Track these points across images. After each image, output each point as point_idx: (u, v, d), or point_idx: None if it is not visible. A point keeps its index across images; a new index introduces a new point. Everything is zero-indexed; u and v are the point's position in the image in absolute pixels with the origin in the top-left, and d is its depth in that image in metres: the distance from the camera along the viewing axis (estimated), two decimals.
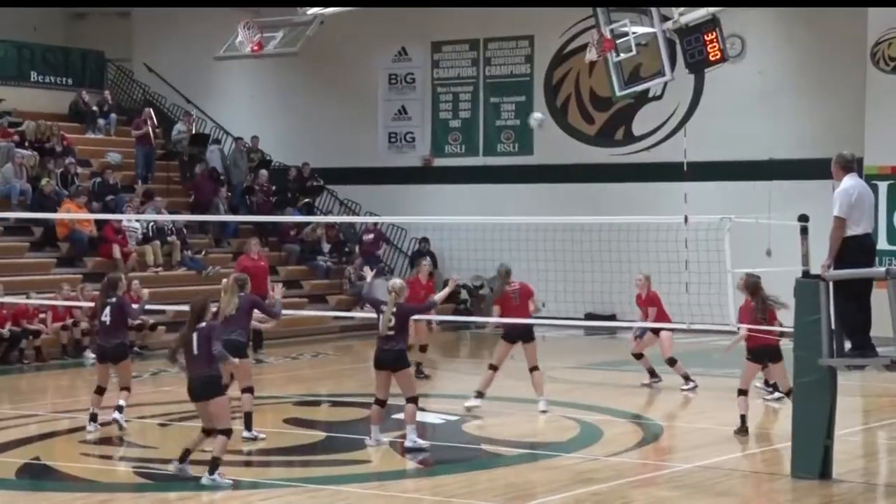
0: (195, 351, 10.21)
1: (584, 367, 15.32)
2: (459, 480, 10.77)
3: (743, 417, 12.47)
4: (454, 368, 20.07)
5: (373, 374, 16.56)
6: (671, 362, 15.76)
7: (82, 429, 13.12)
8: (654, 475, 11.00)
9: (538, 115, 21.82)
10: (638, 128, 25.06)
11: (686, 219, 14.22)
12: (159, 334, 20.69)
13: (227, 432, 10.24)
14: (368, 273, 13.33)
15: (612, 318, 22.42)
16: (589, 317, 22.32)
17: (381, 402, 11.89)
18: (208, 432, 10.30)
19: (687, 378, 15.65)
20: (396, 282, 12.06)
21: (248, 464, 11.60)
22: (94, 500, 10.06)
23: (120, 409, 12.80)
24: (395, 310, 11.60)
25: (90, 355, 19.38)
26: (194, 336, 10.23)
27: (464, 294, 25.93)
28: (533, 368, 14.02)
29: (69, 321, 19.55)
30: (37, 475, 11.12)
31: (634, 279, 16.07)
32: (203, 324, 10.27)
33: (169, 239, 23.16)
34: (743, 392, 12.55)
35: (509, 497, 9.99)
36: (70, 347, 19.48)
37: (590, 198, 24.08)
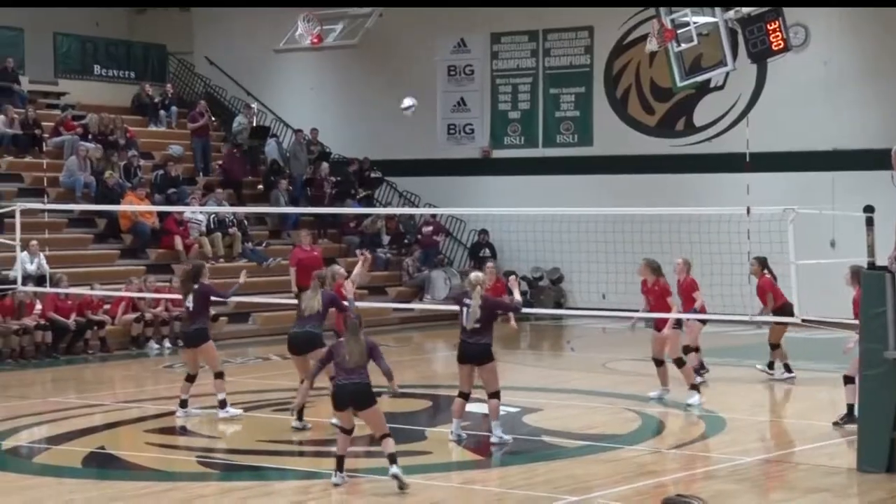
0: (357, 361, 10.01)
1: (647, 359, 15.21)
2: (520, 471, 10.79)
3: (850, 406, 11.95)
4: (515, 360, 20.05)
5: (434, 364, 16.76)
6: (688, 350, 14.94)
7: (147, 418, 13.33)
8: (717, 468, 10.93)
9: (409, 102, 18.47)
10: (699, 118, 24.85)
11: (748, 210, 14.09)
12: (220, 325, 20.90)
13: (390, 435, 10.01)
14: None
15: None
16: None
17: (465, 396, 11.78)
18: (348, 431, 10.08)
19: (702, 366, 15.26)
20: (479, 275, 11.91)
21: (310, 454, 11.70)
22: (159, 488, 10.18)
23: (223, 403, 13.00)
24: (480, 303, 11.46)
25: (154, 346, 19.68)
26: (359, 347, 10.05)
27: (523, 285, 25.92)
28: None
29: (136, 313, 19.80)
30: (102, 464, 11.28)
31: (674, 264, 15.08)
32: (362, 336, 10.10)
33: (230, 231, 23.39)
34: (851, 380, 11.93)
35: (570, 489, 9.97)
36: (142, 338, 19.73)
37: (650, 189, 23.94)
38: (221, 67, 28.62)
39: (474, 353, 11.55)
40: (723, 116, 24.49)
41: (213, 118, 26.70)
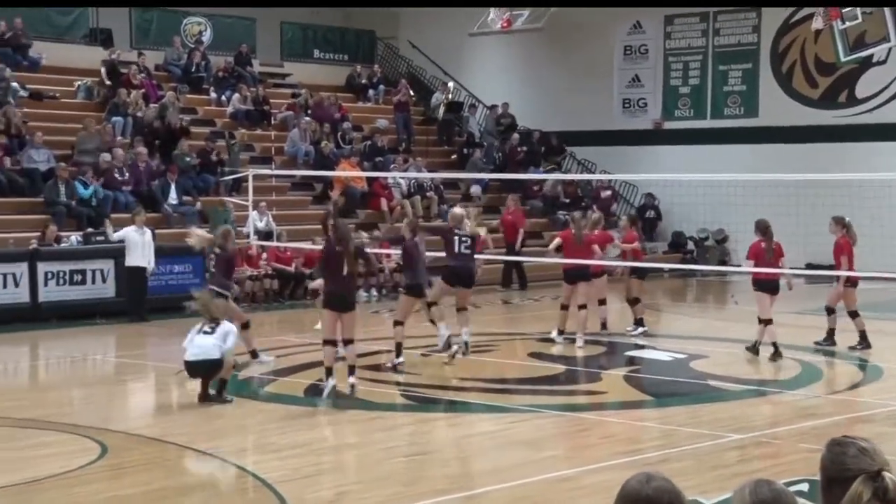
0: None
1: (807, 312, 14.72)
2: (686, 412, 10.58)
3: None
4: (682, 312, 19.69)
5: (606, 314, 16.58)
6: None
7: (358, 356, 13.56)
8: (873, 412, 10.48)
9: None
10: (861, 91, 23.72)
11: None
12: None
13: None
14: None
15: (832, 267, 21.39)
16: (809, 266, 21.39)
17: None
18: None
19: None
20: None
21: (499, 391, 11.76)
22: (367, 416, 10.42)
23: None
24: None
25: (363, 294, 20.09)
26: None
27: (690, 245, 25.42)
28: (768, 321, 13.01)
29: None
30: (320, 394, 11.57)
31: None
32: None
33: (428, 194, 23.63)
34: None
35: (733, 428, 9.73)
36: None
37: (813, 157, 23.01)
38: (422, 50, 28.85)
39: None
40: (884, 89, 23.32)
41: (413, 95, 26.96)
